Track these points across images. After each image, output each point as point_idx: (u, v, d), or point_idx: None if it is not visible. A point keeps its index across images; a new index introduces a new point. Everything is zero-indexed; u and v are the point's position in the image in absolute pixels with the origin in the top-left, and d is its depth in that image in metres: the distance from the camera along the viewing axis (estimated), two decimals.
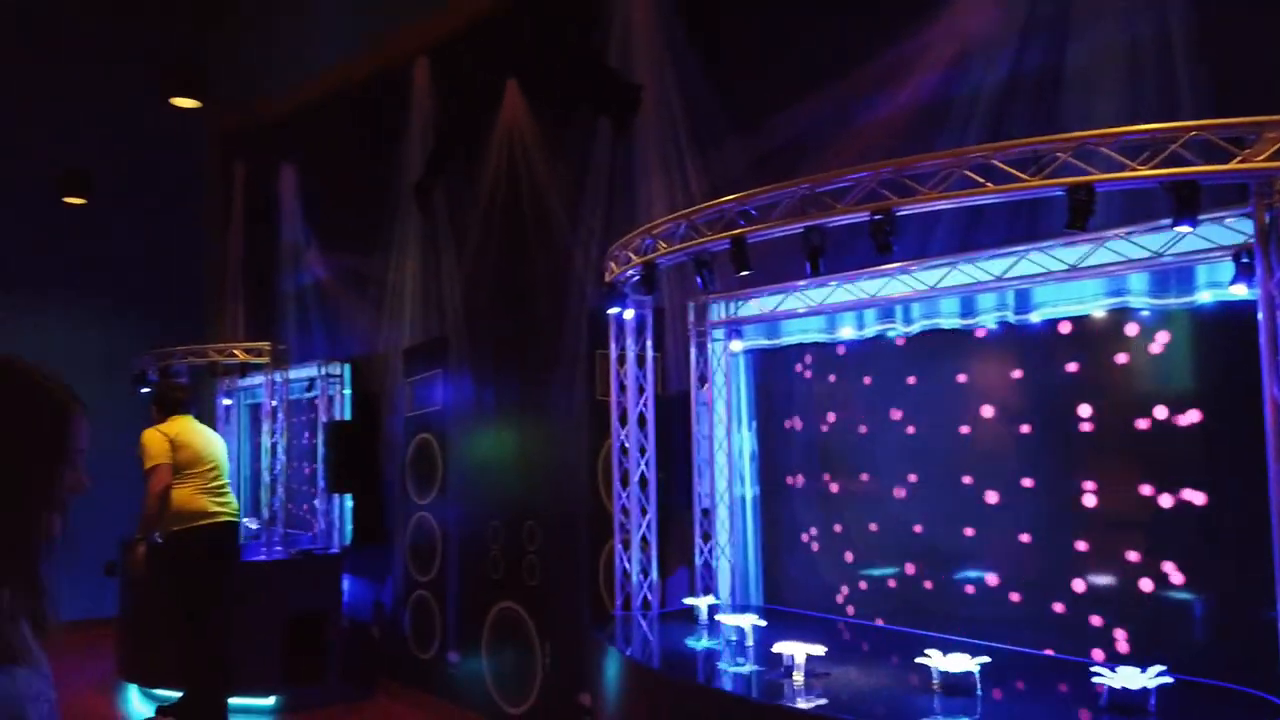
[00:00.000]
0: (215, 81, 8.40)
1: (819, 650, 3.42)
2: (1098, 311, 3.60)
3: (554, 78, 6.12)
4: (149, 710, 6.48)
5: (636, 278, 4.14)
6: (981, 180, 3.07)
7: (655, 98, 5.29)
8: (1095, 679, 3.01)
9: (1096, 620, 3.57)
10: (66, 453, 1.46)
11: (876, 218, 3.17)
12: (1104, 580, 3.57)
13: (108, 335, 9.57)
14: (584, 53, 5.79)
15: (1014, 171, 3.01)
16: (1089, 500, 3.62)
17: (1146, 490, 3.45)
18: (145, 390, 7.67)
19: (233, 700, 5.94)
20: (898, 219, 3.18)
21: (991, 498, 3.94)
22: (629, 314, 4.66)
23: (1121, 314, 3.54)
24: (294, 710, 6.56)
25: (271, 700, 6.55)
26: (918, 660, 3.32)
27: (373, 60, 7.87)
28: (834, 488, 4.55)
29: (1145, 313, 3.48)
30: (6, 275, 9.28)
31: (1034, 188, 2.96)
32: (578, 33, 5.92)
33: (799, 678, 3.35)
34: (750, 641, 3.89)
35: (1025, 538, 3.83)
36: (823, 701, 3.09)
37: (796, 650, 3.39)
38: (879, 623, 4.31)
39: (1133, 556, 3.48)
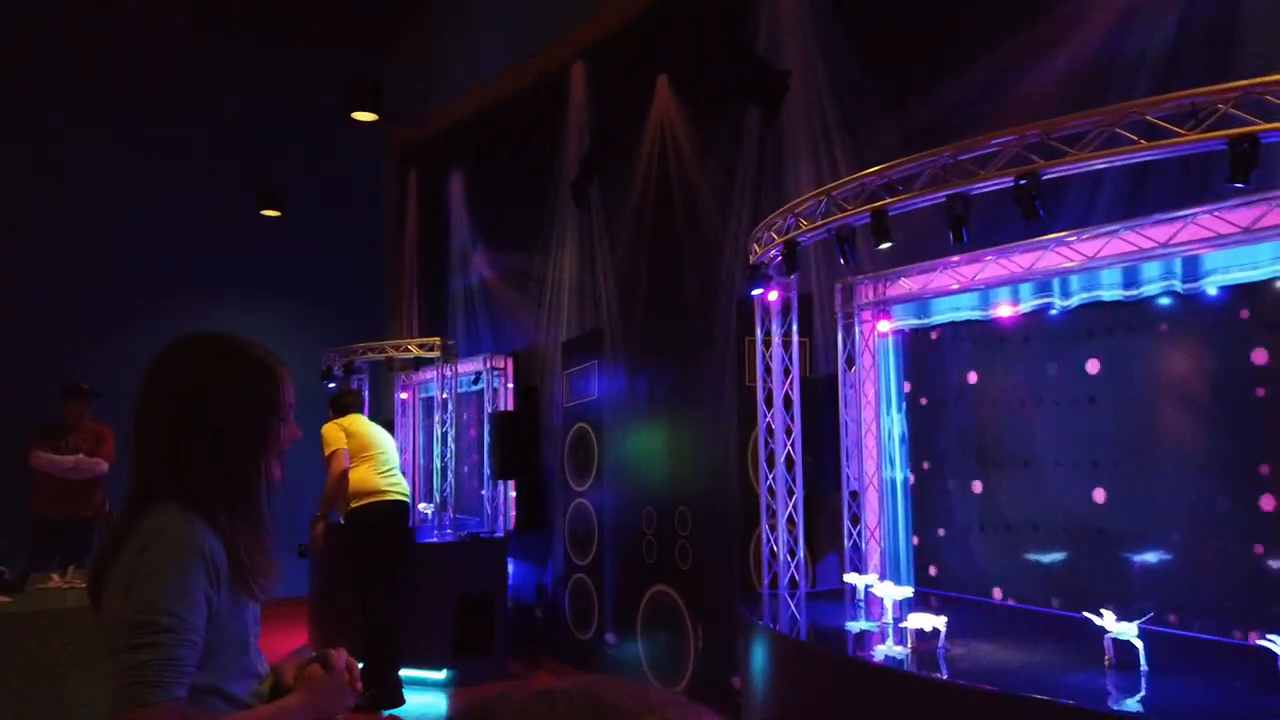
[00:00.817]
0: (391, 95, 8.97)
1: (940, 621, 3.37)
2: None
3: (703, 70, 6.21)
4: None
5: (779, 258, 4.16)
6: (1135, 138, 2.93)
7: (803, 83, 5.28)
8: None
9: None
10: (280, 407, 1.73)
11: (1021, 182, 3.08)
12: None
13: (299, 333, 10.34)
14: (732, 43, 5.85)
15: (1170, 127, 2.86)
16: (1264, 486, 3.37)
17: None
18: (331, 385, 8.28)
19: (405, 671, 6.35)
20: (1043, 183, 3.07)
21: (1155, 481, 3.72)
22: (773, 295, 4.68)
23: None
24: (464, 683, 6.91)
25: (443, 673, 6.93)
26: (1086, 613, 3.20)
27: (532, 69, 8.23)
28: (988, 470, 4.41)
29: None
30: (215, 279, 10.31)
31: (1190, 142, 2.80)
32: (725, 23, 5.99)
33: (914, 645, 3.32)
34: (889, 617, 3.85)
35: (1191, 523, 3.59)
36: (942, 675, 3.03)
37: (924, 621, 3.36)
38: (1034, 606, 4.14)
39: None
